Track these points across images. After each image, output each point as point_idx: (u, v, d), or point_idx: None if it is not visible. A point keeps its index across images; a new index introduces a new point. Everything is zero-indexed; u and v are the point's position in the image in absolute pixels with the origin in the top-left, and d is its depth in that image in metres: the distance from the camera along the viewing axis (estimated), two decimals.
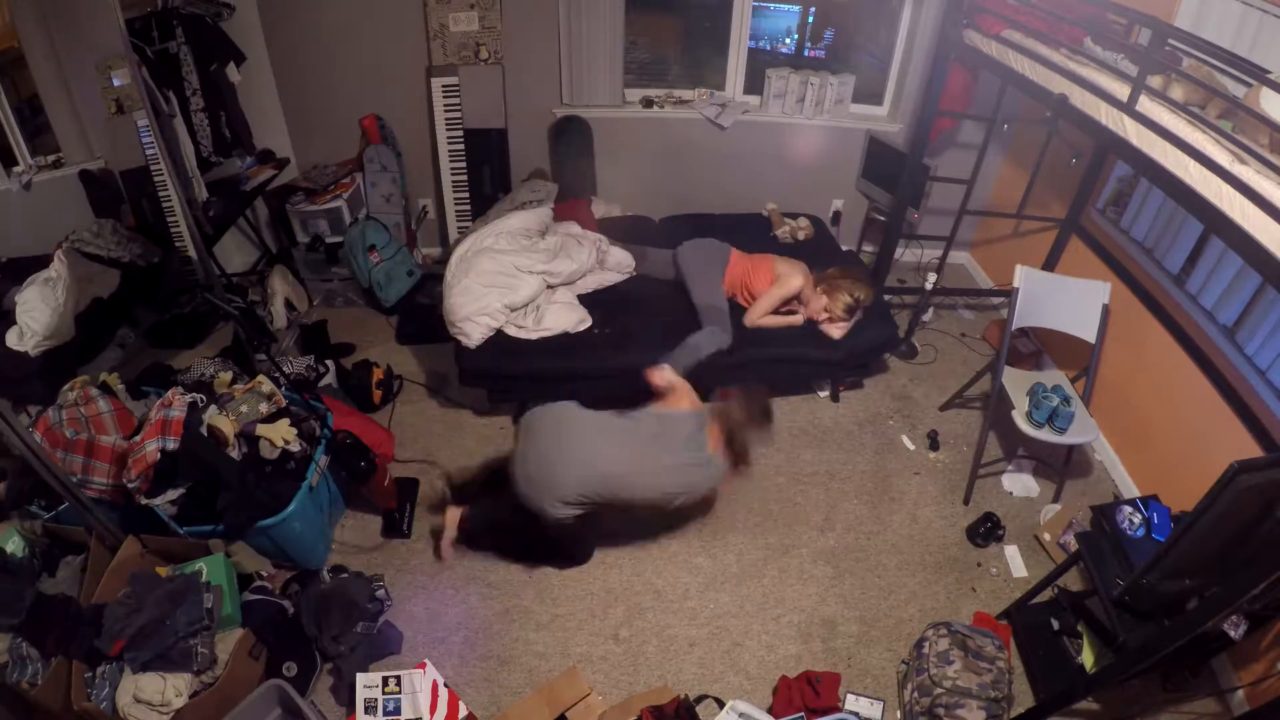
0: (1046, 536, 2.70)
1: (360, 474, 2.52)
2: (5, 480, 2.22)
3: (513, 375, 2.90)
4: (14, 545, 2.16)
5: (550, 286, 2.96)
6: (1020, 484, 2.95)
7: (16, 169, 2.72)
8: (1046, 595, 2.42)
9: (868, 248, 4.15)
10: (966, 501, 2.87)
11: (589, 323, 2.94)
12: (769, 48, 3.96)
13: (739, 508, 2.79)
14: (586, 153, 3.83)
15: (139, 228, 3.15)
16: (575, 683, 2.16)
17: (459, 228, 3.92)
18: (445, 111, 3.63)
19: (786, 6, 3.89)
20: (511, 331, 2.86)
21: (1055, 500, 2.88)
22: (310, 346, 3.37)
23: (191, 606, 1.95)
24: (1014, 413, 2.70)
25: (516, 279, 2.86)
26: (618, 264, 3.18)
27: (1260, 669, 2.10)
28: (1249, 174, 1.80)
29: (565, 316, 2.90)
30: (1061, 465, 2.89)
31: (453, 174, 3.79)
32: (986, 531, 2.71)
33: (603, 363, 2.85)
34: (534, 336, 2.86)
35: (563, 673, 2.22)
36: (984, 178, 3.50)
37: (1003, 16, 2.87)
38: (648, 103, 3.85)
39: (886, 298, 3.79)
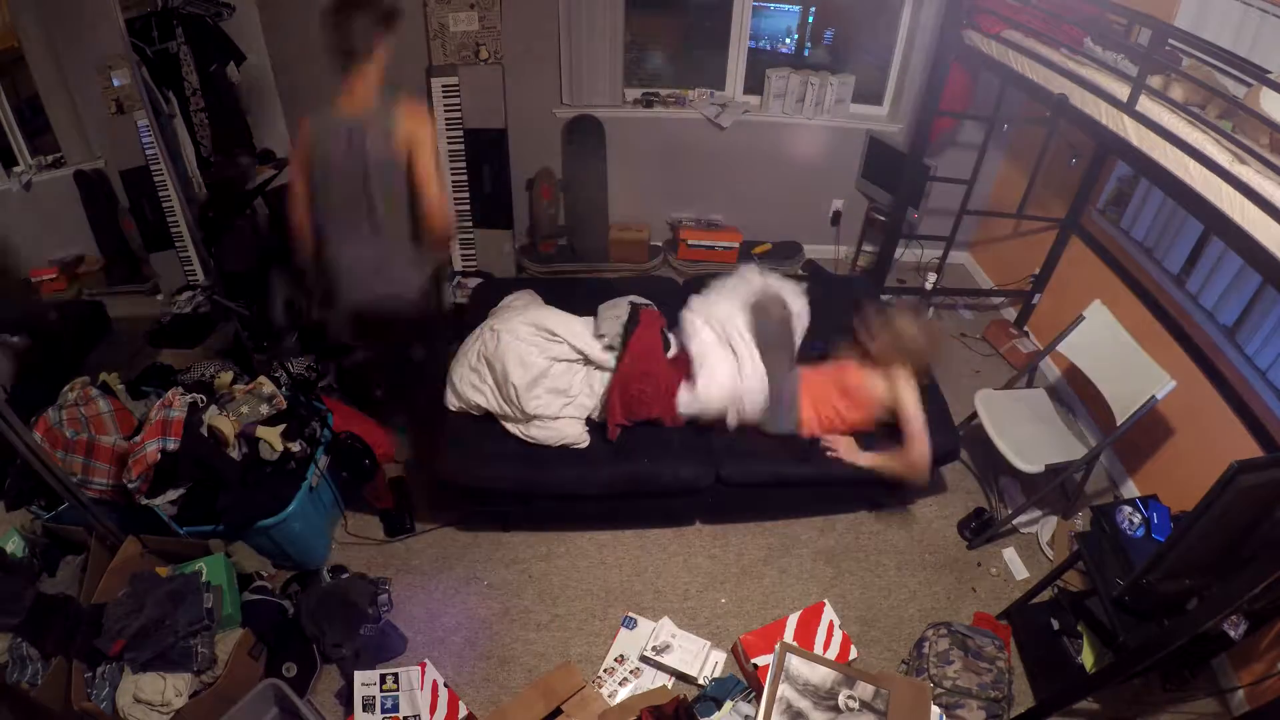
0: (1052, 553, 2.68)
1: (364, 474, 2.52)
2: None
3: (493, 490, 2.41)
4: (14, 545, 2.17)
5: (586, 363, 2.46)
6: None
7: (16, 169, 2.72)
8: (1046, 595, 2.42)
9: (868, 248, 4.15)
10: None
11: (586, 441, 2.43)
12: (769, 47, 3.96)
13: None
14: (599, 153, 3.82)
15: (139, 227, 3.15)
16: (570, 675, 2.16)
17: (458, 227, 3.91)
18: (445, 111, 3.63)
19: (786, 6, 3.89)
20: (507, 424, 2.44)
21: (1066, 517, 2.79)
22: (310, 347, 3.36)
23: (191, 606, 1.95)
24: (1003, 447, 2.54)
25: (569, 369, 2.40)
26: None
27: (1260, 669, 2.10)
28: (1249, 174, 1.80)
29: (565, 427, 2.41)
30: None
31: (453, 174, 3.79)
32: (977, 528, 2.70)
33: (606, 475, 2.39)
34: (524, 437, 2.41)
35: (557, 666, 2.22)
36: (984, 178, 3.50)
37: (1003, 16, 2.88)
38: (648, 103, 3.85)
39: (886, 298, 3.80)
